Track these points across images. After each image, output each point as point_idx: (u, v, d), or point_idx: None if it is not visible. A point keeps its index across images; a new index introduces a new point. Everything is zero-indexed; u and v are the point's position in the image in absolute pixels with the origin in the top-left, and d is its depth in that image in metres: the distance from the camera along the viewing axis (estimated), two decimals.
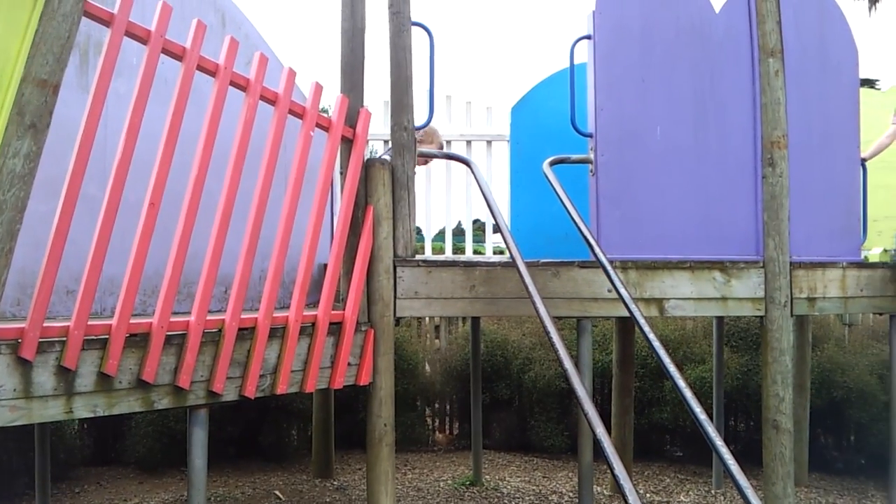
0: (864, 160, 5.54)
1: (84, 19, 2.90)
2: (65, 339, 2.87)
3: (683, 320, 7.99)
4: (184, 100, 3.26)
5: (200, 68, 3.36)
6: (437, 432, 8.28)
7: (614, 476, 2.85)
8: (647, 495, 6.28)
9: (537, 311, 3.65)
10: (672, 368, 3.55)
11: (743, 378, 7.06)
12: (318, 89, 3.99)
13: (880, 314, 5.61)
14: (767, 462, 4.50)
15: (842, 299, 4.98)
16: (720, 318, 6.63)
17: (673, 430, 7.46)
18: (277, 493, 6.19)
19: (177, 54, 3.28)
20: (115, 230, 3.00)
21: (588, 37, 4.76)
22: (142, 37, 3.15)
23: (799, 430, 6.19)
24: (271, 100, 3.70)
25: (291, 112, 3.80)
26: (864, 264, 5.15)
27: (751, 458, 5.89)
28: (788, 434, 4.46)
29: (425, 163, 6.75)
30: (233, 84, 3.50)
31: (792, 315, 4.67)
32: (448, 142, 7.74)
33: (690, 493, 6.46)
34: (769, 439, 4.49)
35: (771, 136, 4.51)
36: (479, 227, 11.72)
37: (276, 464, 7.04)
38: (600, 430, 2.99)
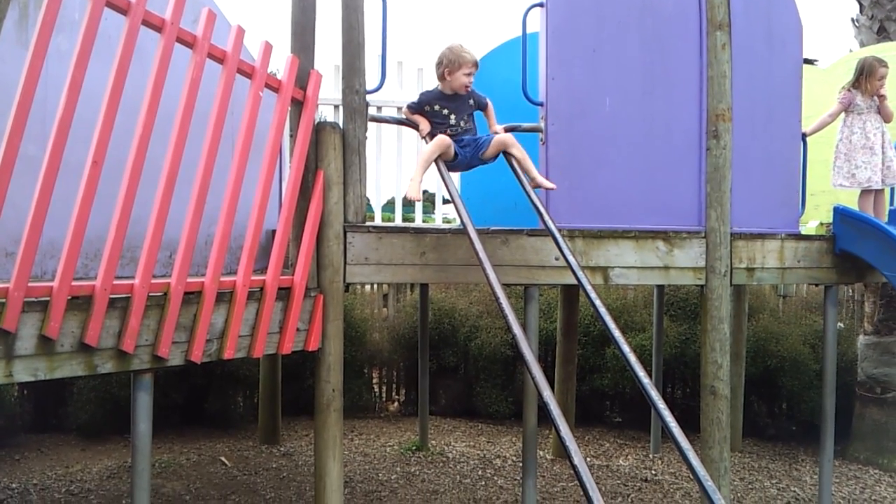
0: (805, 135, 5.67)
1: None
2: (4, 300, 2.80)
3: (625, 289, 8.15)
4: (128, 56, 3.16)
5: (146, 23, 3.26)
6: (384, 399, 8.32)
7: (560, 437, 2.91)
8: (588, 459, 6.43)
9: (487, 278, 3.67)
10: (617, 334, 3.62)
11: (681, 346, 7.24)
12: (268, 48, 3.91)
13: (816, 285, 5.78)
14: (704, 427, 4.64)
15: (779, 270, 5.13)
16: (661, 288, 6.77)
17: (613, 397, 7.64)
18: (223, 459, 6.16)
19: (121, 8, 3.18)
20: (57, 191, 2.91)
21: (541, 4, 4.76)
22: None
23: (734, 398, 6.39)
24: (219, 58, 3.62)
25: (240, 71, 3.72)
26: (801, 236, 5.29)
27: (688, 424, 6.00)
28: (725, 400, 4.60)
29: None
30: (179, 41, 3.41)
31: (731, 284, 4.79)
32: (398, 108, 7.68)
33: (629, 457, 6.63)
34: (707, 405, 4.63)
35: (716, 109, 4.59)
36: (428, 198, 11.68)
37: (221, 430, 7.00)
38: (547, 394, 3.04)
